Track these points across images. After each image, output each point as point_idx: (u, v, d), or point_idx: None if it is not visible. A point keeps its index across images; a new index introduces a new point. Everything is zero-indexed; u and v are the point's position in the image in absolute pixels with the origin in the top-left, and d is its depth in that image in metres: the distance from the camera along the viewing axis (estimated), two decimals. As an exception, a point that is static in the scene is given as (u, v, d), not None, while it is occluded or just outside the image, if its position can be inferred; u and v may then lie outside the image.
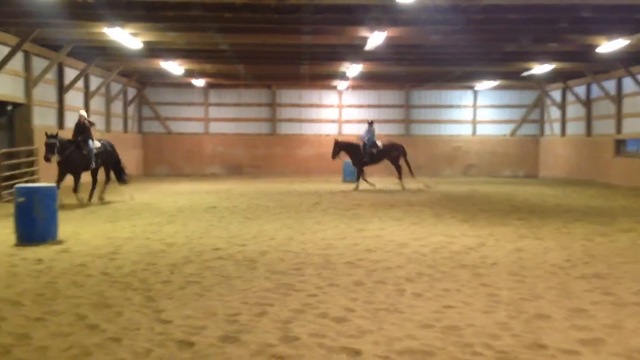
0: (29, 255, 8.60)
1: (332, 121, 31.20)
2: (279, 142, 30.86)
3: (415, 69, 24.32)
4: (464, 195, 18.90)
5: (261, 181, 25.63)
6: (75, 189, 15.23)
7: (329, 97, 31.11)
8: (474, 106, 31.43)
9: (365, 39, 16.61)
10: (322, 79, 28.01)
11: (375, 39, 15.98)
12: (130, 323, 5.48)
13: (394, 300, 6.35)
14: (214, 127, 30.89)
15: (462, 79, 27.26)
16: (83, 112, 15.81)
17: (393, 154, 21.19)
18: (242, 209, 14.93)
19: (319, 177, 28.79)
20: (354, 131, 30.91)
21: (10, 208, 12.50)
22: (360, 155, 20.78)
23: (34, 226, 9.56)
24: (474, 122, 31.47)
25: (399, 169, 21.06)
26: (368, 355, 4.69)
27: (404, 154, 21.20)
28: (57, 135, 14.51)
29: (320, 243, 9.94)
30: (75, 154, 15.02)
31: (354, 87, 30.02)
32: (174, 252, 9.06)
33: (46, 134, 14.38)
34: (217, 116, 30.84)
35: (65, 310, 5.87)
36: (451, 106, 31.41)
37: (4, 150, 16.70)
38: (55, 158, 14.37)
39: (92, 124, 15.82)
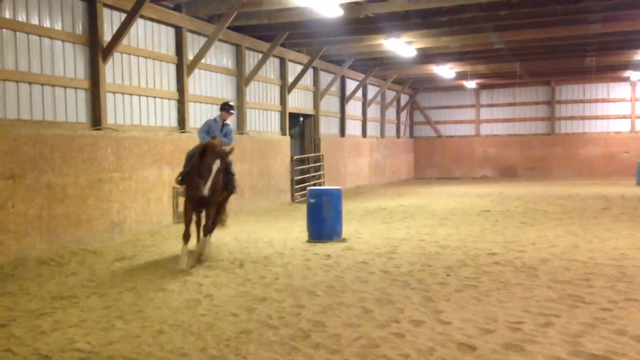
0: (319, 251, 9.54)
1: (623, 117, 27.78)
2: (558, 142, 28.67)
3: None
4: None
5: (537, 184, 24.13)
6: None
7: (618, 90, 27.78)
8: None
9: (665, 22, 14.44)
10: (611, 71, 25.17)
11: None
12: (412, 321, 5.66)
13: None
14: (485, 129, 30.19)
15: None
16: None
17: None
18: (517, 213, 14.25)
19: (606, 179, 25.89)
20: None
21: (301, 208, 14.11)
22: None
23: (323, 225, 10.57)
24: None
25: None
26: (683, 385, 4.03)
27: None
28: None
29: (611, 253, 8.91)
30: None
31: (651, 78, 26.31)
32: (449, 254, 9.09)
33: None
34: (489, 117, 30.07)
35: (352, 303, 6.35)
36: None
37: (296, 156, 18.89)
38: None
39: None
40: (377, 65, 22.58)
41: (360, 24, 14.83)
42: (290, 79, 18.14)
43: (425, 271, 7.90)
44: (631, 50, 19.82)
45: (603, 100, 28.06)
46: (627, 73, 25.23)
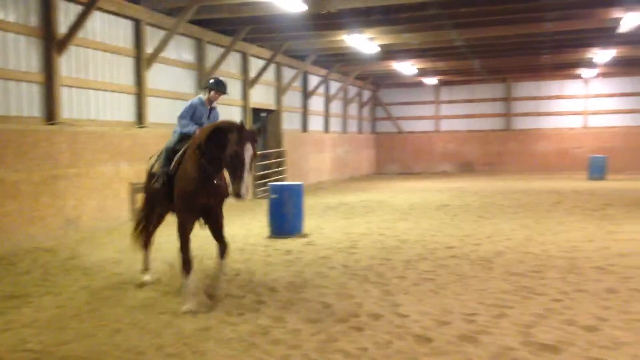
0: (280, 247, 9.54)
1: (575, 113, 28.64)
2: (514, 138, 29.37)
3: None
4: None
5: (495, 179, 24.66)
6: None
7: (571, 87, 28.62)
8: None
9: (618, 21, 14.95)
10: (565, 68, 25.89)
11: (631, 20, 14.27)
12: (371, 314, 5.73)
13: (657, 313, 5.58)
14: (445, 125, 30.67)
15: None
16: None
17: None
18: (475, 207, 14.56)
19: (560, 174, 26.64)
20: (603, 123, 27.99)
21: (263, 204, 14.07)
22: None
23: (284, 220, 10.58)
24: None
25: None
26: (626, 372, 4.21)
27: None
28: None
29: (563, 245, 9.21)
30: None
31: (604, 75, 27.13)
32: (408, 248, 9.23)
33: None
34: (448, 113, 30.56)
35: (312, 298, 6.38)
36: None
37: (259, 152, 18.76)
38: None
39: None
40: (339, 61, 22.64)
41: (323, 19, 14.84)
42: (253, 74, 18.03)
43: (384, 265, 8.01)
44: (584, 48, 20.42)
45: (556, 97, 28.85)
46: (580, 70, 26.00)
